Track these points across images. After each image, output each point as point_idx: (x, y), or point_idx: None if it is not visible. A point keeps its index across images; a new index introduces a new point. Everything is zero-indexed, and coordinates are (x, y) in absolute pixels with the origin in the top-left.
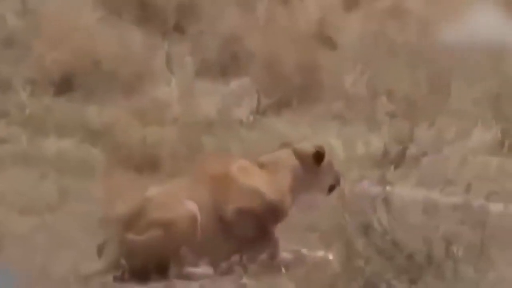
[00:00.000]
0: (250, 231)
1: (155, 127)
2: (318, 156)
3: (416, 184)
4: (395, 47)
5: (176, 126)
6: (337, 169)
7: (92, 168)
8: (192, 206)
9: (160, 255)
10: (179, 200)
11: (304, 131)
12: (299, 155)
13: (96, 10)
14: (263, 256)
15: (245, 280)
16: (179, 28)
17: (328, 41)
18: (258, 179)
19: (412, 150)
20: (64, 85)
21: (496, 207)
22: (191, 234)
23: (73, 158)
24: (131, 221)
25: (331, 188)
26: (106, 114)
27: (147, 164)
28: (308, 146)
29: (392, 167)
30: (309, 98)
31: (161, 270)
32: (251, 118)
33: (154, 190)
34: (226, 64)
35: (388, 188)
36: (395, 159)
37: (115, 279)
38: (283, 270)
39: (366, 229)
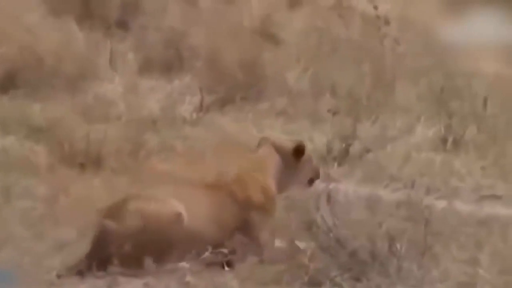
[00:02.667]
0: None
1: (99, 124)
2: (298, 151)
3: (360, 181)
4: (338, 43)
5: (120, 123)
6: (315, 162)
7: (36, 165)
8: (178, 206)
9: (135, 246)
10: (167, 198)
11: (248, 128)
12: (279, 150)
13: (39, 7)
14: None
15: (188, 278)
16: (122, 25)
17: (271, 38)
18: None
19: (356, 146)
20: (7, 82)
21: (439, 204)
22: (173, 231)
23: (16, 155)
24: (112, 209)
25: (310, 181)
26: (49, 111)
27: (91, 161)
28: (287, 141)
29: (335, 164)
30: (253, 95)
31: (132, 261)
32: (195, 115)
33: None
34: (169, 61)
35: (332, 185)
36: (339, 156)
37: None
38: (226, 267)
39: (310, 226)
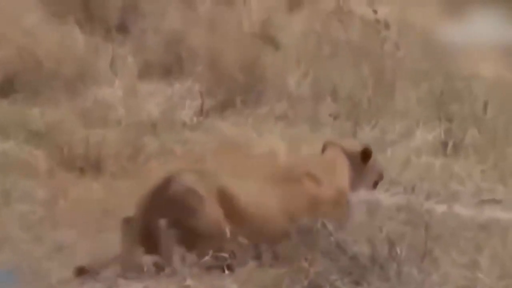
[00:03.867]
0: None
1: (98, 128)
2: (366, 155)
3: None
4: (338, 47)
5: (119, 127)
6: (380, 165)
7: (35, 169)
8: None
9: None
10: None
11: (247, 132)
12: (347, 153)
13: (38, 10)
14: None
15: (188, 281)
16: (122, 29)
17: (271, 41)
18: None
19: None
20: (6, 86)
21: (439, 208)
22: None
23: (15, 159)
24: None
25: (375, 184)
26: (49, 115)
27: (90, 165)
28: (353, 145)
29: None
30: (253, 99)
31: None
32: (195, 119)
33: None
34: (169, 65)
35: None
36: None
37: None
38: (226, 271)
39: (310, 231)
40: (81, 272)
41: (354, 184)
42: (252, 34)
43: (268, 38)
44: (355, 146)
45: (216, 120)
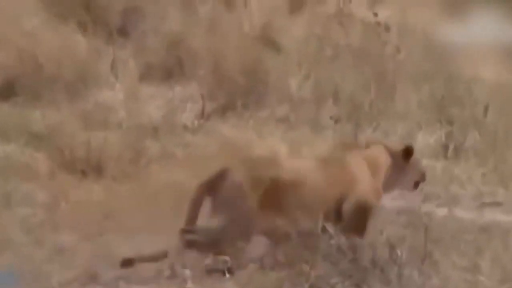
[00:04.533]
0: None
1: (99, 131)
2: (408, 152)
3: None
4: (339, 50)
5: (120, 130)
6: (422, 165)
7: (36, 172)
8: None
9: None
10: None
11: (249, 135)
12: (389, 150)
13: (39, 13)
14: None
15: (189, 284)
16: (123, 32)
17: (272, 45)
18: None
19: None
20: (7, 89)
21: (440, 211)
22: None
23: (16, 162)
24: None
25: (416, 184)
26: (50, 118)
27: (91, 168)
28: (395, 143)
29: None
30: (254, 102)
31: None
32: (196, 122)
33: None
34: (170, 68)
35: None
36: None
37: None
38: (226, 274)
39: (311, 234)
40: (128, 263)
41: (393, 181)
42: (253, 37)
43: (269, 41)
44: (397, 144)
45: (217, 123)
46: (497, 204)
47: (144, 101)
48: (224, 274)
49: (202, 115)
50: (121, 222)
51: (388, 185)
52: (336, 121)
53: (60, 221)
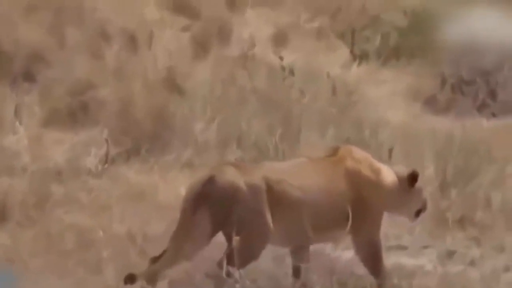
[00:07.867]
0: None
1: (4, 177)
2: (413, 177)
3: None
4: (244, 94)
5: (25, 175)
6: (425, 194)
7: None
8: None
9: None
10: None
11: (154, 180)
12: (396, 173)
13: None
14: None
15: None
16: (28, 77)
17: (177, 89)
18: None
19: None
20: None
21: (346, 254)
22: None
23: None
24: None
25: (418, 213)
26: None
27: None
28: (401, 168)
29: None
30: (160, 146)
31: None
32: (100, 167)
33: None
34: (75, 113)
35: None
36: None
37: None
38: None
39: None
40: (131, 279)
41: (396, 204)
42: (158, 81)
43: (174, 85)
44: (403, 170)
45: (121, 167)
46: (402, 247)
47: (48, 146)
48: None
49: (106, 159)
50: (26, 266)
51: (392, 207)
52: None
53: None
